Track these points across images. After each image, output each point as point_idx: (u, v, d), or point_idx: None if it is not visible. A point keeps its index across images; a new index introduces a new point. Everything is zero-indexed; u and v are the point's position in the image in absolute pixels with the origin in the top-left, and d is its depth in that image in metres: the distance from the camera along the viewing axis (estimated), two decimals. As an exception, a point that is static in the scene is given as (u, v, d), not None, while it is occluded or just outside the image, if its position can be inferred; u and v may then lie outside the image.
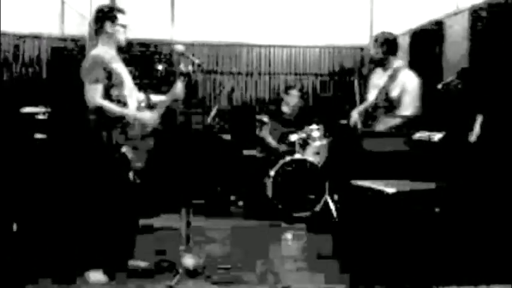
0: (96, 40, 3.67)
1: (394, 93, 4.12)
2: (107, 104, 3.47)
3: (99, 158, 3.58)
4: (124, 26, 3.63)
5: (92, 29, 3.78)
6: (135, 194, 3.72)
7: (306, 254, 4.38)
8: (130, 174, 3.52)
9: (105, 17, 3.59)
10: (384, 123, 4.20)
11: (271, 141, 6.17)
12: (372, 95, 4.40)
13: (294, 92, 6.35)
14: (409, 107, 4.08)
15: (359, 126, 4.35)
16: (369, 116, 4.34)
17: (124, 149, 3.47)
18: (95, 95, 3.45)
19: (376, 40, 4.28)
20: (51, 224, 4.33)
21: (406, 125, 4.10)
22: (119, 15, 3.60)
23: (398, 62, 4.28)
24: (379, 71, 4.36)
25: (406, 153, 4.03)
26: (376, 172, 3.78)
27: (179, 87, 3.71)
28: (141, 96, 3.77)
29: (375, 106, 4.30)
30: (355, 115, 4.40)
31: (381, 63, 4.29)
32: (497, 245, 3.18)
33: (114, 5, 3.64)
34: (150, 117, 3.64)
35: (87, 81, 3.48)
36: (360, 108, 4.42)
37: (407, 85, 4.09)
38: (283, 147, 6.04)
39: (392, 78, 4.17)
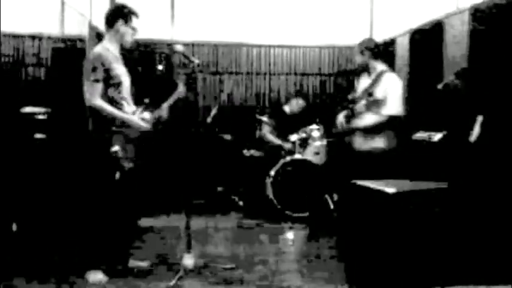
0: (104, 36, 3.71)
1: (378, 94, 4.17)
2: (104, 105, 3.46)
3: (94, 158, 3.57)
4: (134, 29, 3.67)
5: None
6: (132, 194, 3.72)
7: (306, 254, 4.38)
8: (117, 174, 3.49)
9: (120, 15, 3.62)
10: (366, 120, 4.24)
11: (274, 140, 6.16)
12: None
13: (301, 101, 6.36)
14: (393, 107, 4.14)
15: (344, 126, 4.40)
16: (353, 115, 4.39)
17: (116, 148, 3.45)
18: (93, 94, 3.44)
19: (357, 48, 4.36)
20: (50, 224, 4.34)
21: (387, 123, 4.15)
22: (133, 18, 3.65)
23: (382, 66, 4.34)
24: (365, 75, 4.42)
25: (406, 153, 4.03)
26: (376, 172, 3.78)
27: (181, 87, 3.87)
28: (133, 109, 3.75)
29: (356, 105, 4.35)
30: (340, 117, 4.45)
31: (366, 68, 4.37)
32: (498, 245, 3.18)
33: (130, 7, 3.67)
34: (141, 126, 3.64)
35: (87, 80, 3.47)
36: (345, 112, 4.47)
37: (391, 88, 4.18)
38: (287, 145, 6.03)
39: (376, 81, 4.24)
